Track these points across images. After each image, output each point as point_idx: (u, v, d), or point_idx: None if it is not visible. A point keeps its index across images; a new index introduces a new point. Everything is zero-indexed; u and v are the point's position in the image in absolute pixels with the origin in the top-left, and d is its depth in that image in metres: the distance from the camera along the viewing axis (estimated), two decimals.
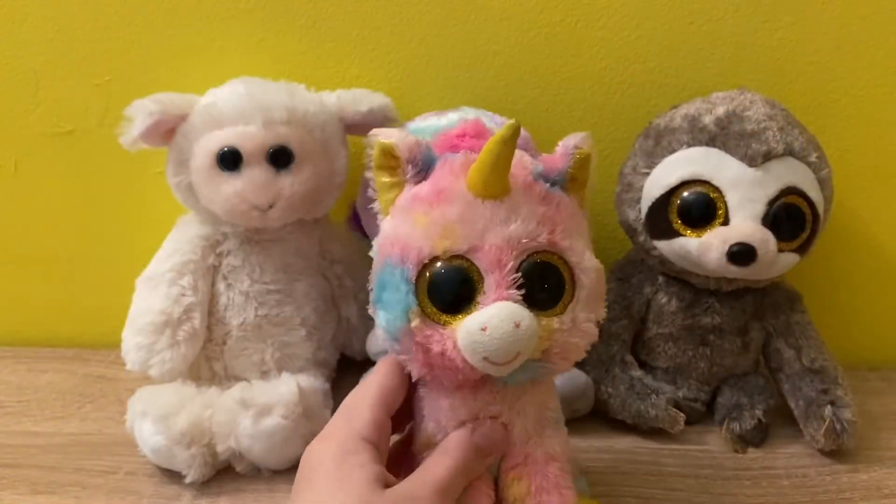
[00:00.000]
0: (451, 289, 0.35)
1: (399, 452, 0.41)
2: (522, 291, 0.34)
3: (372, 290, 0.37)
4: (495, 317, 0.33)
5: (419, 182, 0.37)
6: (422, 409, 0.39)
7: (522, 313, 0.33)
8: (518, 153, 0.36)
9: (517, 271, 0.34)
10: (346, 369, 0.63)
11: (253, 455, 0.51)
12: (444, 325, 0.35)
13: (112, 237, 0.69)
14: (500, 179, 0.35)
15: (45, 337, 0.71)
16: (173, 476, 0.51)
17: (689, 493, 0.51)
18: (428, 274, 0.35)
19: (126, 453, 0.53)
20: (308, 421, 0.52)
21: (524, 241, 0.34)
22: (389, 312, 0.35)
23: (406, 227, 0.36)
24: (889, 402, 0.62)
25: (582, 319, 0.36)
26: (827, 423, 0.53)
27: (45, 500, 0.50)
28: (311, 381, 0.56)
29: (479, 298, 0.34)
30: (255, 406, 0.50)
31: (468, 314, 0.34)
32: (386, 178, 0.38)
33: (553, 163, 0.37)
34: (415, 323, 0.35)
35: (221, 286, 0.57)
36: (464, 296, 0.35)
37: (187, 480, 0.50)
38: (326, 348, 0.60)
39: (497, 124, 0.49)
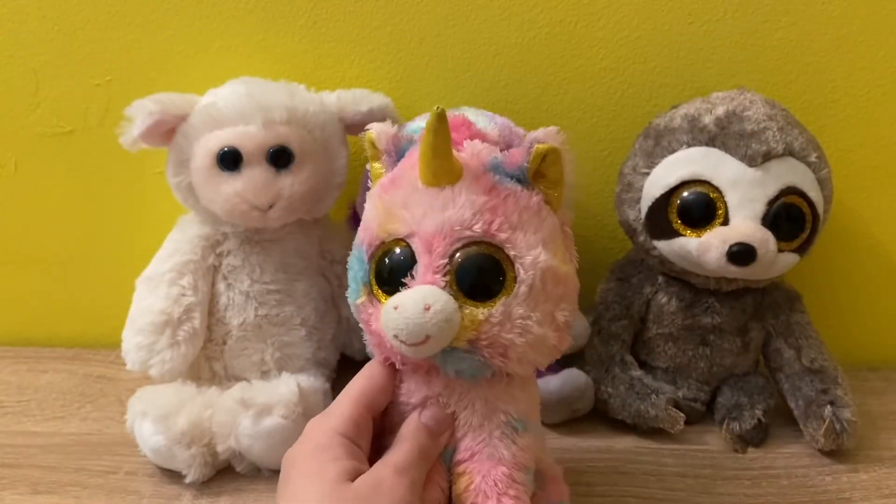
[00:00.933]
0: (393, 272, 0.36)
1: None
2: (448, 278, 0.35)
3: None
4: (409, 298, 0.34)
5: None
6: (396, 390, 0.40)
7: (437, 297, 0.34)
8: (480, 146, 0.38)
9: (449, 258, 0.35)
10: (346, 369, 0.63)
11: (253, 455, 0.51)
12: (383, 303, 0.36)
13: (112, 237, 0.69)
14: (443, 167, 0.35)
15: (45, 337, 0.71)
16: (173, 476, 0.51)
17: (689, 493, 0.51)
18: (378, 256, 0.37)
19: (126, 453, 0.54)
20: (308, 421, 0.52)
21: (456, 228, 0.35)
22: (350, 289, 0.39)
23: (369, 212, 0.38)
24: (889, 402, 0.62)
25: (518, 315, 0.35)
26: (827, 423, 0.53)
27: (45, 500, 0.50)
28: (311, 381, 0.56)
29: (407, 280, 0.35)
30: (255, 406, 0.51)
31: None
32: (377, 166, 0.40)
33: (512, 157, 0.37)
34: (361, 300, 0.37)
35: (221, 286, 0.57)
36: (402, 277, 0.36)
37: (187, 480, 0.50)
38: (326, 348, 0.60)
39: (497, 124, 0.49)
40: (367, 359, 0.60)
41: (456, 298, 0.34)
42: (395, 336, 0.35)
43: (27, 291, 0.71)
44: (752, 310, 0.57)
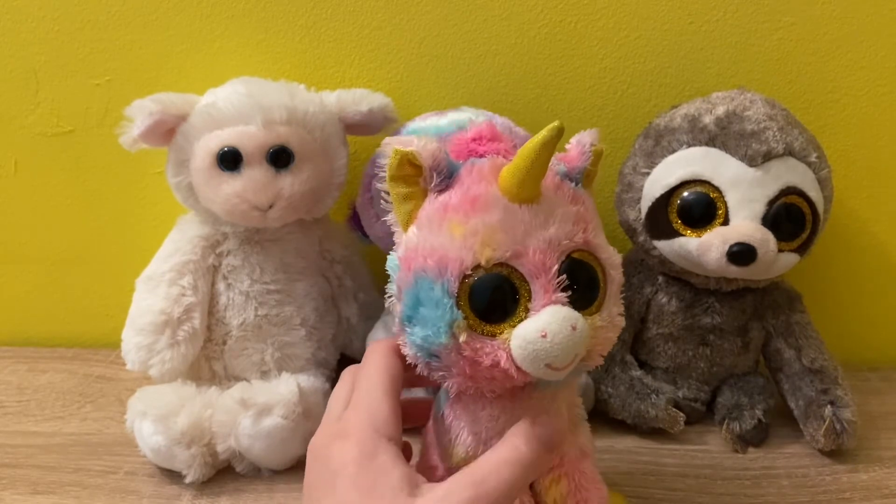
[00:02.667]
0: (496, 298, 0.34)
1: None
2: (569, 293, 0.34)
3: (401, 308, 0.35)
4: (553, 322, 0.32)
5: (442, 190, 0.35)
6: (457, 422, 0.38)
7: (575, 315, 0.33)
8: None
9: (561, 274, 0.34)
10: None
11: (253, 455, 0.51)
12: (490, 336, 0.34)
13: (112, 237, 0.69)
14: (535, 184, 0.34)
15: (45, 337, 0.72)
16: (173, 476, 0.51)
17: (689, 493, 0.51)
18: (469, 285, 0.33)
19: (126, 453, 0.54)
20: (308, 421, 0.52)
21: (564, 242, 0.34)
22: (429, 329, 0.34)
23: (440, 239, 0.34)
24: (889, 402, 0.62)
25: (615, 313, 0.36)
26: (827, 423, 0.53)
27: (45, 500, 0.50)
28: (311, 381, 0.56)
29: (529, 305, 0.33)
30: (255, 406, 0.51)
31: (515, 322, 0.33)
32: (402, 189, 0.36)
33: (573, 161, 0.37)
34: (463, 338, 0.33)
35: (221, 286, 0.57)
36: (509, 304, 0.34)
37: (187, 480, 0.50)
38: (326, 348, 0.60)
39: (498, 125, 0.49)
40: None
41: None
42: (548, 365, 0.33)
43: (27, 291, 0.71)
44: (752, 310, 0.57)
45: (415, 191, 0.35)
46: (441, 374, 0.35)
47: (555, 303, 0.33)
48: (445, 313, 0.33)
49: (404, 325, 0.35)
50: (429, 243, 0.34)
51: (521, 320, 0.33)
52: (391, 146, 0.35)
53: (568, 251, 0.34)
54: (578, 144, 0.37)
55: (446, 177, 0.35)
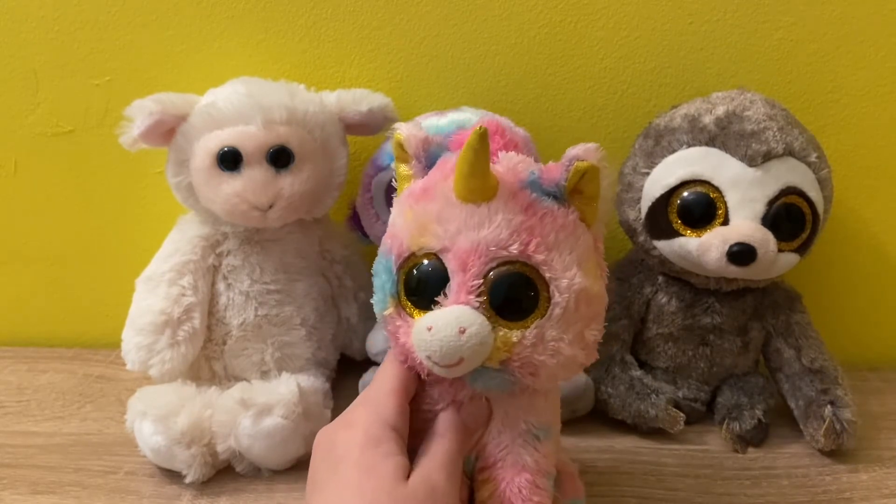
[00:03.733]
0: (423, 285, 0.35)
1: None
2: (482, 298, 0.34)
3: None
4: (441, 319, 0.33)
5: (423, 177, 0.37)
6: (416, 397, 0.39)
7: (472, 319, 0.33)
8: (516, 159, 0.36)
9: (483, 277, 0.34)
10: (346, 369, 0.63)
11: (253, 455, 0.51)
12: (413, 318, 0.35)
13: (112, 237, 0.69)
14: (480, 185, 0.34)
15: (45, 337, 0.71)
16: (173, 476, 0.51)
17: (689, 493, 0.51)
18: (408, 267, 0.36)
19: (126, 453, 0.54)
20: (308, 421, 0.52)
21: (492, 248, 0.34)
22: (376, 297, 0.37)
23: (398, 220, 0.37)
24: (889, 402, 0.62)
25: (551, 337, 0.34)
26: (827, 423, 0.53)
27: (45, 500, 0.50)
28: (311, 381, 0.56)
29: (440, 299, 0.34)
30: (255, 406, 0.50)
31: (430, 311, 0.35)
32: (403, 170, 0.39)
33: (550, 173, 0.36)
34: (388, 311, 0.36)
35: (221, 286, 0.57)
36: (435, 294, 0.35)
37: (187, 480, 0.50)
38: (326, 348, 0.60)
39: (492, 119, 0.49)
40: (367, 359, 0.60)
41: (489, 318, 0.34)
42: (428, 357, 0.34)
43: (27, 291, 0.71)
44: (752, 310, 0.57)
45: (411, 173, 0.38)
46: (390, 344, 0.38)
47: (463, 303, 0.34)
48: (384, 286, 0.37)
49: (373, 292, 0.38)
50: (392, 221, 0.38)
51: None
52: (396, 130, 0.38)
53: (500, 259, 0.34)
54: (564, 157, 0.36)
55: (428, 165, 0.38)
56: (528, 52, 0.63)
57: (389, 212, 0.54)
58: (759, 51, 0.62)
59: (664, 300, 0.57)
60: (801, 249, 0.52)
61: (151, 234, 0.61)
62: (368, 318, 0.62)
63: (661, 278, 0.58)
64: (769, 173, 0.51)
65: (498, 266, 0.34)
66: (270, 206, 0.53)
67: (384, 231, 0.55)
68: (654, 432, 0.56)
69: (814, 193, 0.52)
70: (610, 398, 0.56)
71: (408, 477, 0.35)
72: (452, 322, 0.33)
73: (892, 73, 0.62)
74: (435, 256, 0.35)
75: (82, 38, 0.63)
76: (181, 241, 0.57)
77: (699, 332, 0.57)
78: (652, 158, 0.54)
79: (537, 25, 0.62)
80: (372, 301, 0.38)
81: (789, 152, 0.51)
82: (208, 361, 0.58)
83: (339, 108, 0.57)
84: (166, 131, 0.54)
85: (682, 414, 0.55)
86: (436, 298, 0.34)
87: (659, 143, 0.54)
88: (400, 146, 0.38)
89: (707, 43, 0.62)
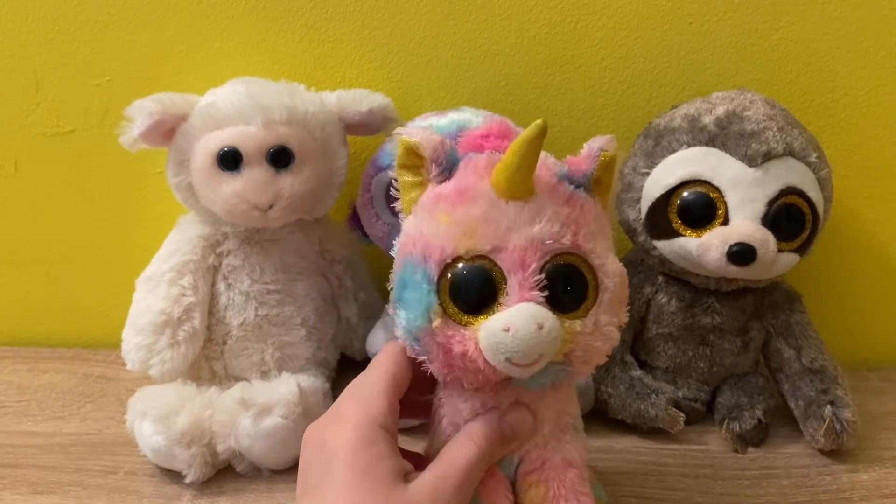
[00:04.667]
0: (473, 289, 0.34)
1: None
2: (546, 293, 0.34)
3: (392, 288, 0.37)
4: (518, 318, 0.33)
5: (442, 182, 0.36)
6: (440, 412, 0.39)
7: (545, 315, 0.33)
8: (543, 154, 0.36)
9: (540, 272, 0.34)
10: (346, 369, 0.63)
11: (253, 455, 0.51)
12: (465, 325, 0.34)
13: (112, 237, 0.69)
14: (524, 180, 0.34)
15: (45, 337, 0.71)
16: (173, 476, 0.51)
17: (689, 493, 0.51)
18: (450, 274, 0.35)
19: (126, 453, 0.54)
20: (308, 421, 0.51)
21: (548, 242, 0.34)
22: (410, 312, 0.35)
23: (429, 227, 0.35)
24: (889, 402, 0.62)
25: (604, 323, 0.35)
26: (827, 423, 0.53)
27: (45, 500, 0.50)
28: (311, 381, 0.56)
29: (502, 299, 0.34)
30: (255, 406, 0.50)
31: (490, 315, 0.34)
32: (409, 177, 0.37)
33: (578, 165, 0.36)
34: (436, 323, 0.34)
35: (221, 286, 0.57)
36: (486, 296, 0.34)
37: (187, 480, 0.50)
38: (326, 348, 0.60)
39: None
40: (367, 359, 0.60)
41: (552, 312, 0.34)
42: (508, 359, 0.33)
43: (27, 291, 0.71)
44: (752, 310, 0.57)
45: (420, 180, 0.37)
46: (423, 358, 0.36)
47: (528, 300, 0.33)
48: (424, 298, 0.34)
49: (395, 307, 0.36)
50: (418, 230, 0.36)
51: (494, 313, 0.34)
52: (400, 136, 0.36)
53: (553, 252, 0.34)
54: (587, 148, 0.37)
55: (446, 168, 0.36)
56: (528, 52, 0.63)
57: (390, 212, 0.55)
58: (759, 51, 0.62)
59: (664, 300, 0.57)
60: (801, 249, 0.52)
61: (151, 234, 0.61)
62: (368, 318, 0.62)
63: (660, 278, 0.58)
64: (769, 173, 0.51)
65: (551, 259, 0.34)
66: (270, 207, 0.53)
67: (384, 231, 0.56)
68: (654, 432, 0.56)
69: (814, 193, 0.52)
70: (610, 398, 0.56)
71: (406, 479, 0.34)
72: (530, 319, 0.33)
73: (892, 73, 0.62)
74: (482, 258, 0.34)
75: (82, 38, 0.63)
76: (181, 241, 0.57)
77: (699, 332, 0.57)
78: (652, 158, 0.54)
79: (537, 25, 0.62)
80: (394, 312, 0.36)
81: (789, 152, 0.51)
82: (208, 361, 0.58)
83: (339, 108, 0.57)
84: (166, 131, 0.54)
85: (682, 414, 0.55)
86: (490, 301, 0.34)
87: (659, 143, 0.54)
88: (409, 152, 0.37)
89: (707, 43, 0.62)
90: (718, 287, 0.55)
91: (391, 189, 0.38)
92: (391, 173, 0.39)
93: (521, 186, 0.34)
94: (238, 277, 0.57)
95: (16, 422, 0.59)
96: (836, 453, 0.54)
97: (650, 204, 0.53)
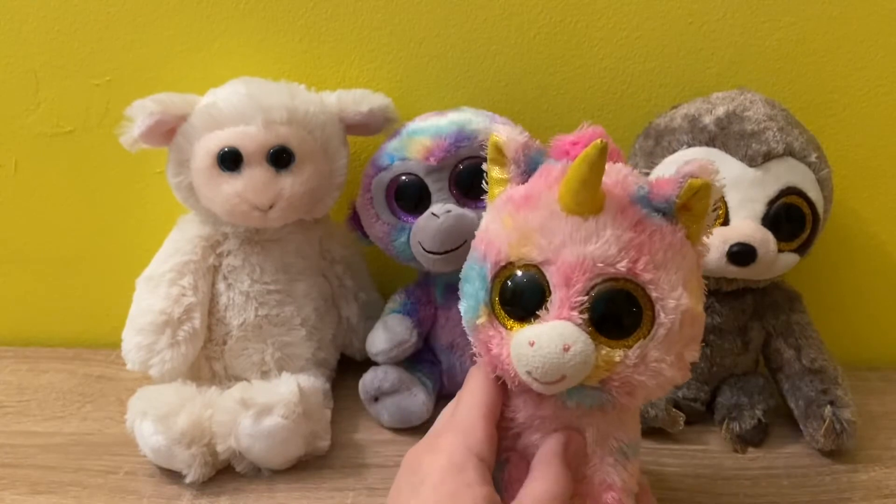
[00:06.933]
0: (520, 296, 0.34)
1: None
2: (586, 315, 0.33)
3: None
4: (545, 335, 0.32)
5: (522, 182, 0.36)
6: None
7: (576, 336, 0.32)
8: (625, 171, 0.35)
9: (587, 293, 0.33)
10: (346, 369, 0.63)
11: (253, 455, 0.51)
12: (509, 328, 0.34)
13: (112, 237, 0.69)
14: (589, 198, 0.33)
15: (45, 337, 0.71)
16: (173, 476, 0.51)
17: (689, 493, 0.51)
18: (503, 277, 0.35)
19: (126, 453, 0.53)
20: (308, 421, 0.52)
21: (599, 264, 0.33)
22: (465, 304, 0.37)
23: (495, 225, 0.36)
24: (889, 402, 0.62)
25: (653, 358, 0.33)
26: (827, 423, 0.53)
27: (45, 500, 0.50)
28: (312, 381, 0.56)
29: (543, 312, 0.33)
30: (256, 406, 0.50)
31: (529, 324, 0.34)
32: (496, 173, 0.38)
33: (660, 188, 0.34)
34: (481, 320, 0.35)
35: (222, 286, 0.57)
36: (532, 306, 0.34)
37: (187, 480, 0.50)
38: (326, 348, 0.60)
39: (500, 124, 0.49)
40: (367, 359, 0.60)
41: (591, 336, 0.33)
42: (529, 373, 0.33)
43: (27, 291, 0.71)
44: (752, 310, 0.57)
45: (505, 177, 0.37)
46: (475, 351, 0.37)
47: (565, 319, 0.33)
48: (476, 294, 0.35)
49: (461, 296, 0.37)
50: (486, 227, 0.37)
51: (532, 324, 0.34)
52: (494, 131, 0.37)
53: (606, 275, 0.33)
54: (676, 172, 0.34)
55: (527, 171, 0.36)
56: (528, 52, 0.63)
57: (389, 212, 0.55)
58: (759, 51, 0.62)
59: None
60: (801, 249, 0.52)
61: (151, 234, 0.61)
62: (368, 318, 0.62)
63: None
64: (769, 173, 0.51)
65: (602, 282, 0.33)
66: (271, 207, 0.53)
67: (384, 231, 0.56)
68: (654, 432, 0.56)
69: (814, 193, 0.52)
70: None
71: None
72: (556, 339, 0.32)
73: (892, 73, 0.62)
74: (535, 268, 0.34)
75: (82, 38, 0.63)
76: (181, 241, 0.57)
77: None
78: (652, 158, 0.54)
79: (537, 25, 0.62)
80: (459, 306, 0.37)
81: (789, 152, 0.51)
82: (208, 361, 0.58)
83: (340, 108, 0.57)
84: (167, 131, 0.54)
85: (682, 414, 0.55)
86: (536, 312, 0.33)
87: (659, 143, 0.54)
88: (497, 149, 0.37)
89: (707, 43, 0.62)
90: (718, 287, 0.55)
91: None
92: (484, 166, 0.38)
93: (585, 203, 0.33)
94: (238, 277, 0.57)
95: (16, 422, 0.59)
96: (836, 453, 0.54)
97: None
